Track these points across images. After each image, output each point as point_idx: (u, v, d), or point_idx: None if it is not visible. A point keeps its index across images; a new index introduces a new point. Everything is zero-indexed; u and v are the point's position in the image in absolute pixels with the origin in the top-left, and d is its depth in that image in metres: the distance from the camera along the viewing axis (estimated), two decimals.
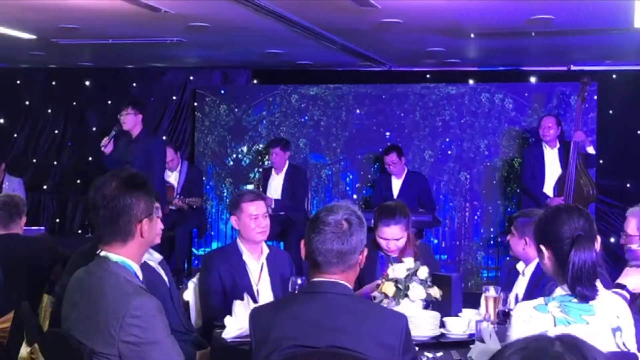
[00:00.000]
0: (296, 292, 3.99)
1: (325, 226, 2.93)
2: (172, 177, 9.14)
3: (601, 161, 8.95)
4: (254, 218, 4.74)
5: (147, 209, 2.97)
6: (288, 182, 8.82)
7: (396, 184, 8.83)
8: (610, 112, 9.39)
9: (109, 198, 2.90)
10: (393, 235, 4.76)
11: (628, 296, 3.70)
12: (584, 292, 2.97)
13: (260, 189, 8.74)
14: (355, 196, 9.84)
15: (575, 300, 2.98)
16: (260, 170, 9.78)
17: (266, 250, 4.84)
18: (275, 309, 3.11)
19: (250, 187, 9.86)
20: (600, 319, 2.98)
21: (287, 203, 8.65)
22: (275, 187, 8.86)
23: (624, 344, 3.01)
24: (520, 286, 4.55)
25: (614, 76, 9.54)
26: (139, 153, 7.72)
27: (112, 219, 2.91)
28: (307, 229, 3.00)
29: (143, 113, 7.96)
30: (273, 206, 8.54)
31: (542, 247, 3.11)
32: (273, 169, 8.94)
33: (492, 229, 9.48)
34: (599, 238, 3.14)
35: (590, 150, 8.08)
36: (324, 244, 2.93)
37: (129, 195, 2.92)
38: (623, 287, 3.68)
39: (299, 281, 4.08)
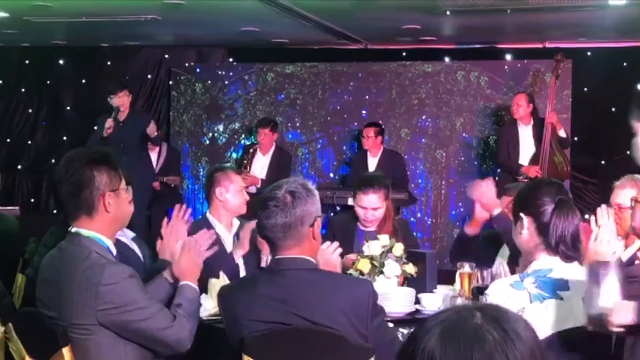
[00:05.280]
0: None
1: (270, 201, 2.99)
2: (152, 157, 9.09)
3: (576, 138, 8.98)
4: (242, 190, 4.71)
5: (110, 183, 3.01)
6: (273, 165, 8.77)
7: (372, 162, 8.80)
8: (585, 89, 9.40)
9: (71, 171, 2.96)
10: (371, 204, 4.71)
11: None
12: (567, 252, 2.98)
13: (248, 167, 8.69)
14: (332, 174, 9.84)
15: (550, 275, 2.99)
16: (239, 149, 9.75)
17: (236, 223, 4.76)
18: (240, 289, 3.13)
19: (228, 165, 9.82)
20: (575, 294, 2.99)
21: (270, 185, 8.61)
22: (261, 167, 8.81)
23: None
24: (504, 254, 4.57)
25: (589, 53, 9.55)
26: (134, 133, 8.07)
27: (75, 192, 2.97)
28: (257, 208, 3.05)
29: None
30: (259, 186, 8.54)
31: (522, 215, 3.09)
32: (259, 149, 8.87)
33: (468, 207, 9.50)
34: (578, 213, 3.15)
35: (562, 133, 8.11)
36: (269, 218, 2.97)
37: (89, 168, 2.97)
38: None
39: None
